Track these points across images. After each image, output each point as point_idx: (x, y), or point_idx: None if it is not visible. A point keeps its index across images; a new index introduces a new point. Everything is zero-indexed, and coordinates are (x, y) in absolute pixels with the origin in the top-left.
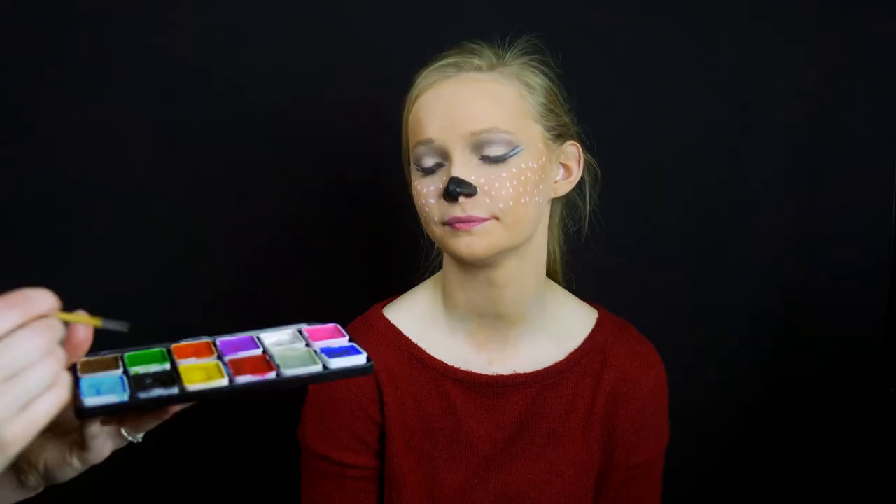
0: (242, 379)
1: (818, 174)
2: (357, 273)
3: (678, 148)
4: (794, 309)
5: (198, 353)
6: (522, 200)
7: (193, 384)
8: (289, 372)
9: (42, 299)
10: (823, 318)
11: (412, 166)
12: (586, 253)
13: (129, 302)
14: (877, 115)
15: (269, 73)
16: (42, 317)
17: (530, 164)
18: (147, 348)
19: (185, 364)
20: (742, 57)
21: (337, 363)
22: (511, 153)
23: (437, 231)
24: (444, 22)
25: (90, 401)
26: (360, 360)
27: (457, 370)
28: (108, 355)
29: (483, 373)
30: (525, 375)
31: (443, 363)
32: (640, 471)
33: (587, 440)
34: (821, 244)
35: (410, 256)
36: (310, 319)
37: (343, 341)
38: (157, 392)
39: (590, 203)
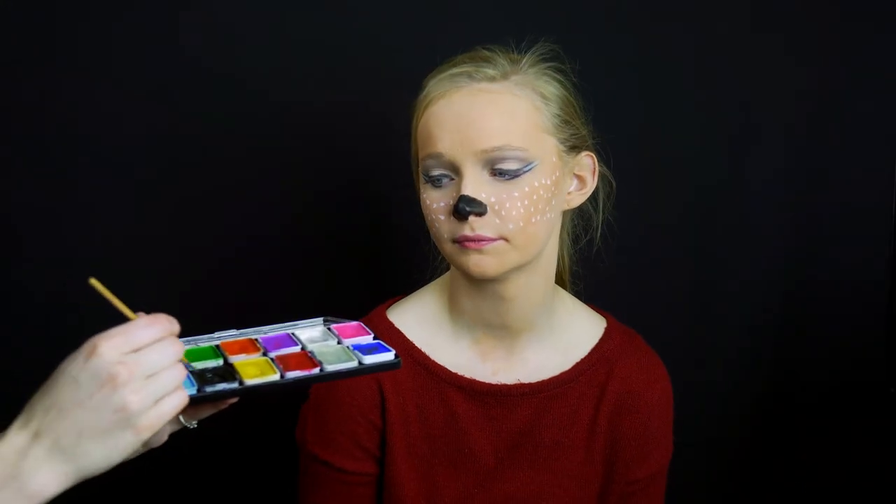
0: (291, 374)
1: (818, 174)
2: (357, 273)
3: (678, 148)
4: (793, 309)
5: (245, 349)
6: (533, 220)
7: (250, 379)
8: (330, 367)
9: (175, 322)
10: (824, 319)
11: (421, 176)
12: (597, 263)
13: (131, 300)
14: (877, 115)
15: (269, 73)
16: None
17: (543, 181)
18: (194, 344)
19: (237, 360)
20: (742, 57)
21: (370, 359)
22: (524, 169)
23: (447, 248)
24: (444, 22)
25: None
26: (389, 356)
27: (461, 377)
28: None
29: (486, 381)
30: (529, 385)
31: (446, 369)
32: (642, 486)
33: (590, 452)
34: (821, 244)
35: (411, 257)
36: (326, 316)
37: (369, 338)
38: (222, 386)
39: (603, 214)
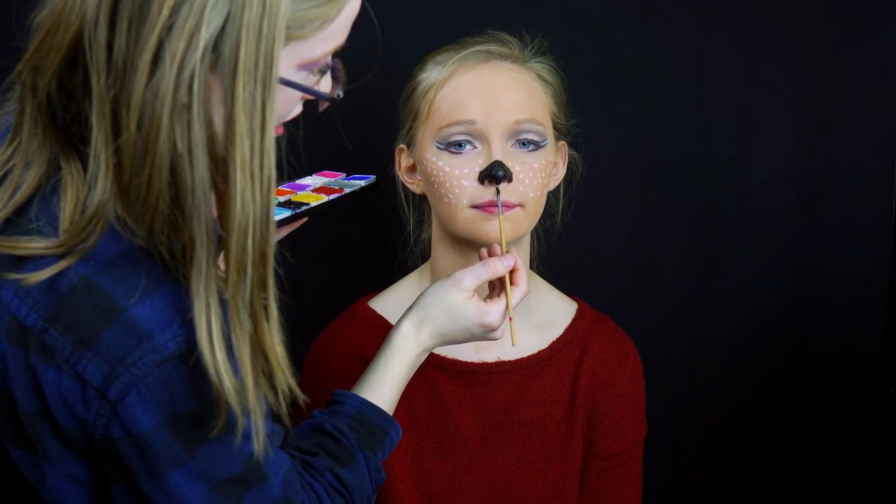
0: (331, 196)
1: (818, 174)
2: (352, 272)
3: (678, 148)
4: (793, 309)
5: (290, 191)
6: (543, 191)
7: (311, 202)
8: (347, 189)
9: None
10: (823, 319)
11: (433, 145)
12: (559, 247)
13: None
14: (877, 115)
15: None
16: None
17: (549, 158)
18: None
19: (294, 196)
20: (741, 57)
21: (364, 181)
22: (542, 144)
23: (463, 214)
24: (443, 21)
25: (277, 217)
26: (370, 177)
27: (443, 358)
28: None
29: (469, 360)
30: (509, 363)
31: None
32: (618, 461)
33: (571, 428)
34: (820, 244)
35: (404, 255)
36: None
37: (356, 179)
38: (304, 207)
39: (563, 200)
